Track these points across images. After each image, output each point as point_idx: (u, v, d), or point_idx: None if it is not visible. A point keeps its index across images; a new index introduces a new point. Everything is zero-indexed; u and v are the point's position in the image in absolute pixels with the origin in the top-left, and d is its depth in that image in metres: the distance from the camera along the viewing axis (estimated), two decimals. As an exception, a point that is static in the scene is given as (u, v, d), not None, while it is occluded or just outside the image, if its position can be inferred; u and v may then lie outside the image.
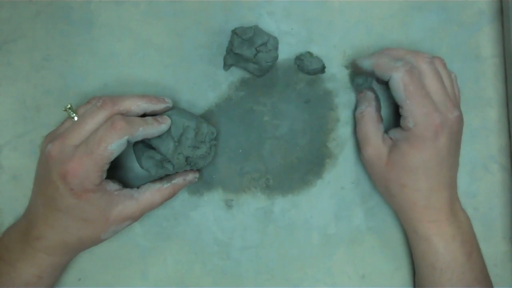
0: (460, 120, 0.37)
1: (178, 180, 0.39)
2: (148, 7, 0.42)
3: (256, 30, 0.39)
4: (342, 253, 0.42)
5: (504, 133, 0.43)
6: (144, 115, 0.37)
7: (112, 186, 0.36)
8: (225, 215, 0.42)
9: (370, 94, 0.41)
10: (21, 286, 0.36)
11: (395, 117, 0.42)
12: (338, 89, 0.42)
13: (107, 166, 0.35)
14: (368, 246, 0.42)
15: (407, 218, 0.39)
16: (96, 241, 0.37)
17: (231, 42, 0.40)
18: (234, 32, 0.39)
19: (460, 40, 0.43)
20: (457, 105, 0.37)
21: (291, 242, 0.42)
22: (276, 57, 0.40)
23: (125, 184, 0.39)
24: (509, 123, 0.43)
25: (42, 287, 0.37)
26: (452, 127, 0.36)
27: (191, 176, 0.40)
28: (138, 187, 0.38)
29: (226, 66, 0.41)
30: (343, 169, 0.43)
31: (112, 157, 0.34)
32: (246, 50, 0.39)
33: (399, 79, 0.36)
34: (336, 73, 0.42)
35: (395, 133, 0.38)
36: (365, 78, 0.41)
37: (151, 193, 0.38)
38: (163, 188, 0.38)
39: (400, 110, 0.37)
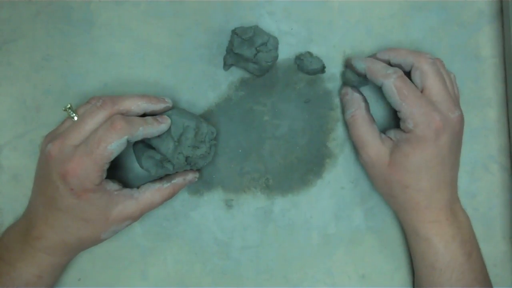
0: (461, 120, 0.37)
1: (178, 180, 0.39)
2: (148, 7, 0.42)
3: (256, 30, 0.39)
4: (342, 253, 0.42)
5: (504, 133, 0.43)
6: (144, 115, 0.37)
7: (112, 186, 0.36)
8: (225, 215, 0.42)
9: (357, 96, 0.40)
10: (21, 286, 0.36)
11: (394, 117, 0.42)
12: (338, 89, 0.42)
13: (107, 166, 0.35)
14: (368, 246, 0.42)
15: (408, 219, 0.39)
16: (96, 241, 0.37)
17: (231, 42, 0.40)
18: (234, 32, 0.39)
19: (460, 40, 0.43)
20: (458, 104, 0.38)
21: (291, 242, 0.42)
22: (276, 57, 0.40)
23: (125, 184, 0.39)
24: (509, 123, 0.43)
25: (42, 287, 0.37)
26: (453, 127, 0.36)
27: (191, 176, 0.40)
28: (138, 187, 0.38)
29: (226, 66, 0.41)
30: (343, 169, 0.43)
31: (112, 157, 0.34)
32: (246, 50, 0.39)
33: (391, 85, 0.36)
34: (336, 73, 0.42)
35: (395, 134, 0.38)
36: (357, 76, 0.41)
37: (151, 193, 0.38)
38: (163, 188, 0.38)
39: (398, 113, 0.37)
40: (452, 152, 0.37)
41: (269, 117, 0.42)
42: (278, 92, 0.42)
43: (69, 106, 0.36)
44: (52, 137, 0.35)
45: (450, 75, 0.39)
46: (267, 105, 0.42)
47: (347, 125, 0.41)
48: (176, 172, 0.38)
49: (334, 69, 0.42)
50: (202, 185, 0.42)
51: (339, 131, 0.42)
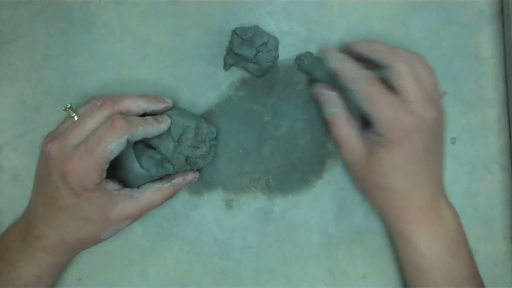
0: (437, 117, 0.36)
1: (178, 180, 0.39)
2: (148, 7, 0.42)
3: (256, 30, 0.39)
4: (342, 253, 0.42)
5: (504, 133, 0.43)
6: (144, 115, 0.37)
7: (112, 185, 0.36)
8: (225, 215, 0.42)
9: (334, 95, 0.39)
10: (21, 286, 0.36)
11: None
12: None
13: (107, 166, 0.35)
14: (368, 246, 0.42)
15: (388, 220, 0.38)
16: (96, 240, 0.37)
17: (231, 42, 0.40)
18: (234, 32, 0.39)
19: (460, 40, 0.43)
20: (435, 102, 0.36)
21: (291, 242, 0.42)
22: (276, 57, 0.40)
23: (125, 184, 0.39)
24: (509, 123, 0.43)
25: (42, 287, 0.37)
26: (428, 126, 0.35)
27: (191, 176, 0.40)
28: (138, 187, 0.38)
29: (226, 66, 0.41)
30: (343, 169, 0.42)
31: (112, 157, 0.34)
32: (246, 50, 0.39)
33: (360, 91, 0.35)
34: (336, 73, 0.42)
35: (371, 135, 0.36)
36: (323, 71, 0.39)
37: (151, 192, 0.38)
38: (163, 188, 0.38)
39: (368, 117, 0.36)
40: (430, 151, 0.36)
41: (269, 117, 0.42)
42: (278, 92, 0.42)
43: (69, 105, 0.36)
44: (52, 136, 0.35)
45: (429, 70, 0.37)
46: (267, 105, 0.42)
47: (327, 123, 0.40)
48: (176, 172, 0.38)
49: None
50: (202, 185, 0.42)
51: (339, 131, 0.42)
